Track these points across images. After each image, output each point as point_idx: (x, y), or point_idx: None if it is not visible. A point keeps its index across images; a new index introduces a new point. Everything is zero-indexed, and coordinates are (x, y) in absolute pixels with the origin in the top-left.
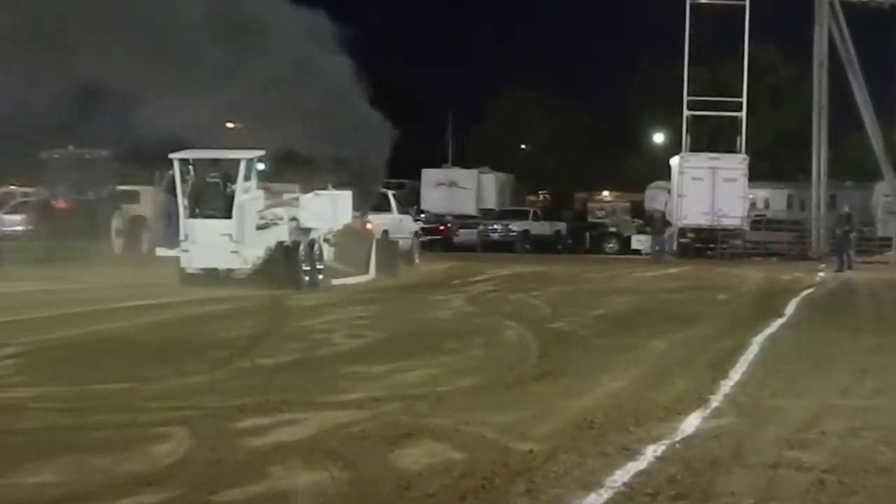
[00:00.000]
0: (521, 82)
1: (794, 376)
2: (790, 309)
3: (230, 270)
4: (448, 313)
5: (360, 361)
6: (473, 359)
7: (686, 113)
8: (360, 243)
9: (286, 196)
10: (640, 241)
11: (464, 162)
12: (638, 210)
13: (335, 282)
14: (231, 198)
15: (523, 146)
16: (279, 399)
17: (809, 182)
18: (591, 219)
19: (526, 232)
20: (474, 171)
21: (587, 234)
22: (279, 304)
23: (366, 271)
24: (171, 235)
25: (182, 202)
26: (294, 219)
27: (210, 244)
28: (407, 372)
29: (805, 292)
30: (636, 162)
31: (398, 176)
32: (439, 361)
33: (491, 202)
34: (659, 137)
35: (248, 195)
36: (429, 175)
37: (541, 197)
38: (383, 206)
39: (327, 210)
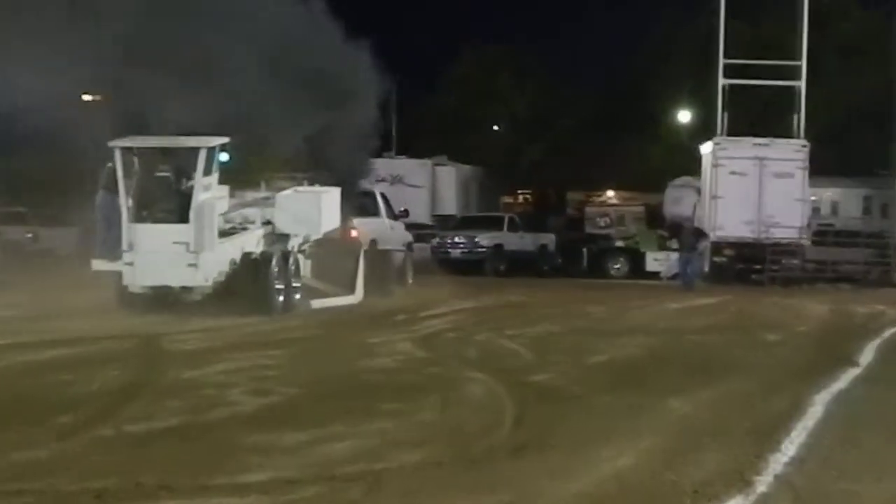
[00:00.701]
0: (492, 39)
1: (872, 450)
2: (867, 356)
3: (185, 289)
4: (390, 360)
5: (268, 428)
6: (424, 425)
7: (721, 82)
8: (342, 255)
9: (250, 195)
10: (658, 261)
11: (413, 149)
12: (654, 216)
13: (315, 304)
14: (188, 197)
15: (495, 127)
16: (154, 481)
17: (894, 179)
18: (589, 229)
19: (499, 247)
20: (427, 163)
21: (584, 250)
22: (157, 345)
23: (351, 290)
24: (112, 244)
25: (125, 202)
26: (268, 223)
27: (160, 256)
28: (332, 442)
29: (888, 332)
30: (652, 150)
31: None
32: (377, 428)
33: (450, 205)
34: (684, 116)
35: (208, 193)
36: None
37: (520, 199)
38: (368, 209)
39: (310, 212)
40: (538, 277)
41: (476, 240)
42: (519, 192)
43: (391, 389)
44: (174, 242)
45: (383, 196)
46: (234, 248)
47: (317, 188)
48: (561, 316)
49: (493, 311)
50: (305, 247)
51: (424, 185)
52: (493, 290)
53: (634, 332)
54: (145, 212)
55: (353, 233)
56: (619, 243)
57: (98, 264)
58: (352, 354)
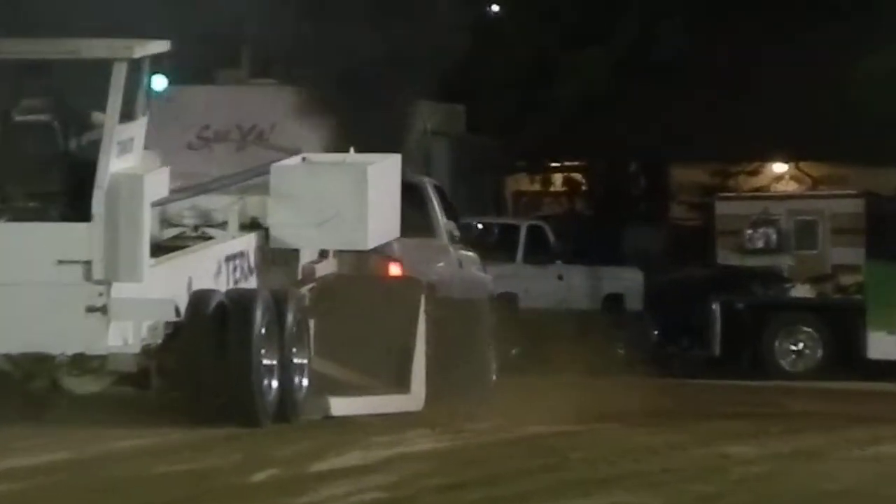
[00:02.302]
0: None
1: None
2: None
3: (79, 364)
4: None
5: None
6: None
7: None
8: (379, 311)
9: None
10: None
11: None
12: (885, 223)
13: (336, 406)
14: (86, 165)
15: (495, 8)
16: None
17: None
18: (727, 256)
19: (509, 298)
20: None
21: (715, 308)
22: None
23: (403, 387)
24: None
25: None
26: (255, 224)
27: (28, 291)
28: None
29: None
30: (871, 64)
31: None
32: None
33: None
34: None
35: (130, 159)
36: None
37: (556, 181)
38: (414, 220)
39: (346, 203)
40: (603, 373)
41: None
42: (553, 164)
43: None
44: (59, 262)
45: (440, 192)
46: (180, 278)
47: (354, 156)
48: (652, 468)
49: (487, 457)
50: (305, 291)
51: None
52: (494, 402)
53: None
54: None
55: (395, 266)
56: (804, 291)
57: None
58: None
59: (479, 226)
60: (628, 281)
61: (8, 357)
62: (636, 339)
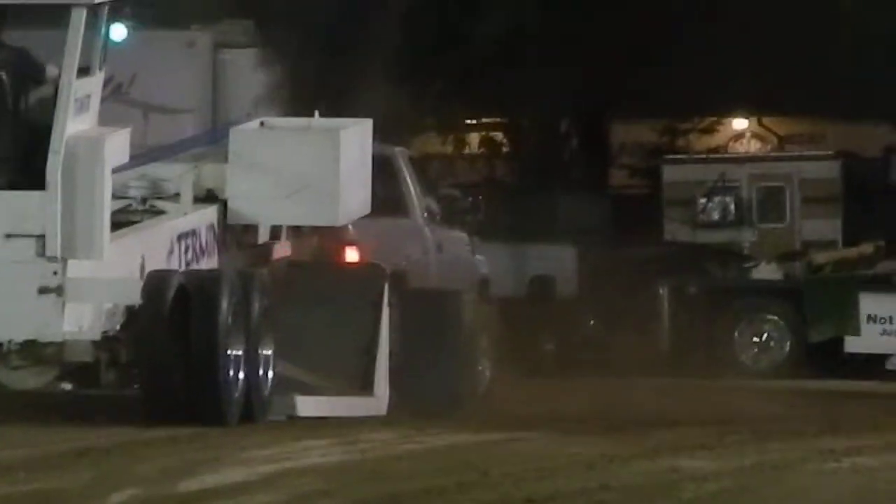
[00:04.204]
0: None
1: None
2: None
3: (30, 350)
4: None
5: None
6: None
7: None
8: (338, 303)
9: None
10: (882, 324)
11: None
12: (863, 189)
13: (302, 404)
14: (39, 126)
15: None
16: None
17: None
18: (675, 231)
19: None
20: (195, 38)
21: (663, 292)
22: None
23: (366, 389)
24: None
25: None
26: (211, 196)
27: None
28: None
29: None
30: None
31: None
32: None
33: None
34: None
35: (87, 119)
36: None
37: (473, 143)
38: (385, 198)
39: (315, 171)
40: (529, 372)
41: None
42: (469, 122)
43: None
44: (7, 236)
45: (415, 164)
46: (133, 258)
47: (321, 120)
48: (589, 485)
49: (388, 473)
50: (265, 275)
51: (192, 104)
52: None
53: None
54: None
55: (352, 251)
56: (768, 272)
57: None
58: None
59: (472, 196)
60: (559, 261)
61: None
62: (569, 331)
